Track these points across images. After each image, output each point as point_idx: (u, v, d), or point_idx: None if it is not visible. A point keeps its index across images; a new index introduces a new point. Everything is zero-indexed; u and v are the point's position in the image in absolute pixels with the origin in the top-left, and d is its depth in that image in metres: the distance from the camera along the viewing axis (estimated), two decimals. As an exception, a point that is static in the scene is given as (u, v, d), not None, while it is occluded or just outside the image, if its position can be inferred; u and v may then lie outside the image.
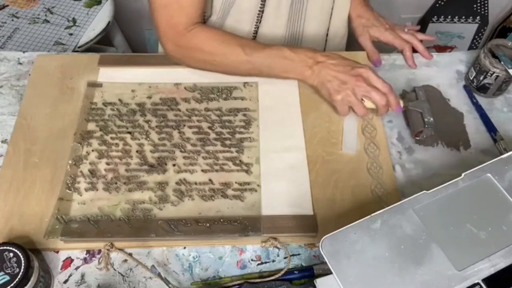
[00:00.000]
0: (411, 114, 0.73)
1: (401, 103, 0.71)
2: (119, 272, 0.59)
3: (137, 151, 0.68)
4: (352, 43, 0.94)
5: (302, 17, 0.84)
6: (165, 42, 0.75)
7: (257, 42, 0.74)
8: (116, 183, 0.64)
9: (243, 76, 0.76)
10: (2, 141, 0.70)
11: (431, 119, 0.70)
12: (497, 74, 0.74)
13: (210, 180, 0.65)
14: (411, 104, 0.72)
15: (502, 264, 0.49)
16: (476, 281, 0.47)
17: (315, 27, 0.87)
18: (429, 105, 0.72)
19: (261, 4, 0.79)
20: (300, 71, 0.72)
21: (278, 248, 0.61)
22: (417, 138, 0.71)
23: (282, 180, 0.65)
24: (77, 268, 0.59)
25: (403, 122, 0.75)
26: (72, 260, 0.60)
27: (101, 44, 1.30)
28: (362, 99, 0.69)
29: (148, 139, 0.69)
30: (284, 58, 0.72)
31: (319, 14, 0.85)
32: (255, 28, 0.83)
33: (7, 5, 1.26)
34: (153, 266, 0.59)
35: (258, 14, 0.81)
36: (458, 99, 0.78)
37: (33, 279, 0.52)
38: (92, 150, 0.68)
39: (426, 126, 0.70)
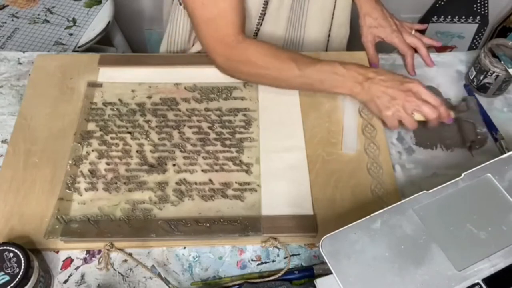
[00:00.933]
0: (462, 125, 0.73)
1: (452, 115, 0.70)
2: (119, 272, 0.59)
3: (137, 151, 0.68)
4: (354, 41, 0.94)
5: (303, 19, 0.84)
6: (215, 57, 0.73)
7: (308, 56, 0.73)
8: (116, 183, 0.64)
9: (293, 90, 0.75)
10: (2, 141, 0.70)
11: (484, 129, 0.71)
12: (497, 74, 0.74)
13: (210, 180, 0.65)
14: (463, 115, 0.72)
15: (502, 264, 0.49)
16: (476, 281, 0.47)
17: (316, 28, 0.86)
18: (481, 116, 0.73)
19: (263, 6, 0.79)
20: (350, 87, 0.71)
21: (278, 248, 0.61)
22: (470, 148, 0.71)
23: (282, 180, 0.65)
24: (77, 268, 0.59)
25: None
26: (72, 260, 0.60)
27: (101, 44, 1.30)
28: (412, 113, 0.69)
29: (148, 139, 0.69)
30: (335, 73, 0.71)
31: (320, 15, 0.85)
32: (255, 30, 0.82)
33: (7, 5, 1.26)
34: (153, 266, 0.59)
35: (260, 16, 0.80)
36: (458, 99, 0.78)
37: (33, 279, 0.52)
38: (92, 150, 0.68)
39: (479, 136, 0.70)
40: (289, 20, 0.83)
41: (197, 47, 0.86)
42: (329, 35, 0.90)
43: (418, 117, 0.69)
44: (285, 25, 0.83)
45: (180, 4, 0.82)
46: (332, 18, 0.87)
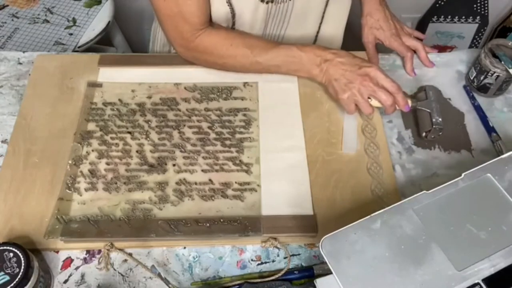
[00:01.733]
0: (419, 114, 0.73)
1: (410, 103, 0.70)
2: (119, 272, 0.59)
3: (137, 151, 0.68)
4: (353, 41, 0.93)
5: (284, 25, 0.82)
6: (176, 47, 0.77)
7: (266, 41, 0.75)
8: (116, 183, 0.64)
9: (254, 73, 0.77)
10: (2, 141, 0.70)
11: (439, 119, 0.70)
12: (497, 74, 0.74)
13: (210, 180, 0.65)
14: (419, 103, 0.72)
15: (502, 264, 0.49)
16: (476, 281, 0.47)
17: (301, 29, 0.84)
18: (438, 105, 0.72)
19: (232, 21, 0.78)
20: (308, 70, 0.73)
21: (278, 248, 0.61)
22: (425, 137, 0.71)
23: (282, 180, 0.65)
24: (77, 268, 0.59)
25: (403, 123, 0.75)
26: (72, 260, 0.60)
27: (101, 44, 1.30)
28: (370, 98, 0.69)
29: (148, 139, 0.69)
30: (292, 57, 0.72)
31: (305, 16, 0.82)
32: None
33: (7, 5, 1.26)
34: (153, 266, 0.59)
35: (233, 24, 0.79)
36: (458, 99, 0.78)
37: (33, 279, 0.52)
38: (92, 150, 0.68)
39: (434, 126, 0.70)
40: (265, 27, 0.81)
41: None
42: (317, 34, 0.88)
43: (375, 103, 0.69)
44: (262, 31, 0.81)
45: None
46: (322, 18, 0.86)
